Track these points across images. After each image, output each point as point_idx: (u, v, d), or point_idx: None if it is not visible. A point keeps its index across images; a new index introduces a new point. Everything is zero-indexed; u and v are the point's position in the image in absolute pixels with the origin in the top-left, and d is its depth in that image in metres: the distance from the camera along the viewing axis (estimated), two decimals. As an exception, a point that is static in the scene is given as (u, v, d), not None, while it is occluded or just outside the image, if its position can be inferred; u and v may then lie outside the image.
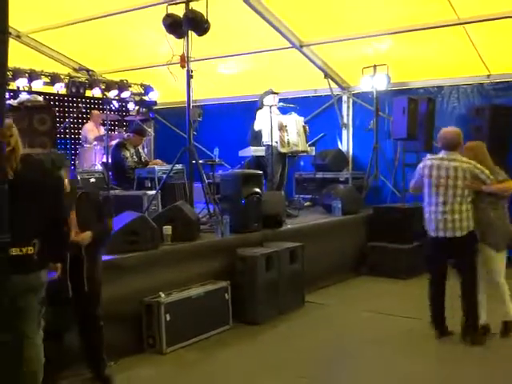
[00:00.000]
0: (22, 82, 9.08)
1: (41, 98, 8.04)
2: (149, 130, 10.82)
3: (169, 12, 6.46)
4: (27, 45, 9.41)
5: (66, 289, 3.86)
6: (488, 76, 8.48)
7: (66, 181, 3.89)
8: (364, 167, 9.69)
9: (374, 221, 8.25)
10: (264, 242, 6.28)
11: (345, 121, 10.02)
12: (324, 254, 7.18)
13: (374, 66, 8.99)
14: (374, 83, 9.12)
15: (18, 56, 8.30)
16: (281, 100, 8.50)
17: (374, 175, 9.33)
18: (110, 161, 7.77)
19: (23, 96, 8.29)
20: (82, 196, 4.09)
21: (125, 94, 10.81)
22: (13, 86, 8.90)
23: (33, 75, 9.23)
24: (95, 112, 10.25)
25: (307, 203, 9.28)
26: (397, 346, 5.03)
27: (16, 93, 8.80)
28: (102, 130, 9.58)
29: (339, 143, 10.11)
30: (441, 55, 8.29)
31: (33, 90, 9.34)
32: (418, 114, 8.41)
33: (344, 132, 10.07)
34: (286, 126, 8.08)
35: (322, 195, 8.76)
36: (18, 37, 8.94)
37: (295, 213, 7.96)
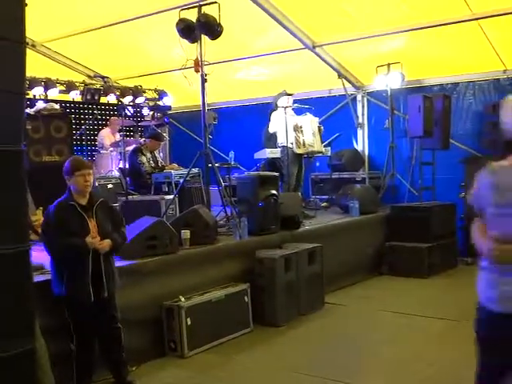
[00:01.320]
0: (38, 91, 9.20)
1: (57, 106, 8.10)
2: (164, 134, 10.87)
3: (181, 17, 6.48)
4: (42, 54, 9.53)
5: (88, 294, 3.90)
6: (504, 71, 8.39)
7: None
8: (380, 166, 9.64)
9: (392, 220, 8.21)
10: (282, 244, 6.27)
11: (360, 120, 9.98)
12: (342, 255, 7.16)
13: (388, 65, 8.94)
14: (388, 82, 9.08)
15: (33, 65, 8.39)
16: (295, 101, 8.49)
17: (390, 174, 9.29)
18: (126, 166, 7.82)
19: (40, 104, 8.37)
20: (101, 203, 4.12)
21: (139, 100, 10.89)
22: (29, 94, 9.01)
23: (48, 83, 9.34)
24: (114, 118, 10.32)
25: (324, 204, 9.25)
26: (417, 347, 4.99)
27: (32, 101, 8.90)
28: (118, 137, 9.65)
29: (355, 143, 10.07)
30: (455, 51, 8.23)
31: (49, 98, 9.43)
32: (433, 111, 8.36)
33: (359, 131, 10.03)
34: (301, 127, 8.07)
35: (338, 195, 8.73)
36: (33, 46, 9.06)
37: (312, 214, 7.95)
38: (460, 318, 5.60)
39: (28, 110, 7.58)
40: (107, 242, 3.98)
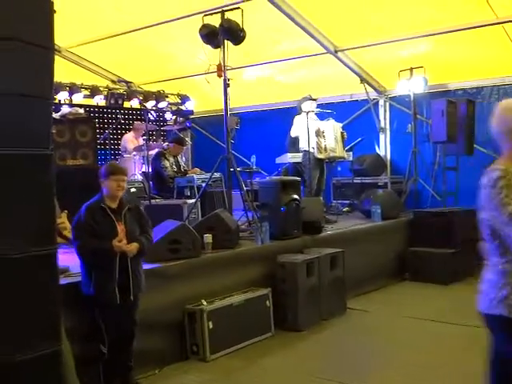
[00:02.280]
0: (63, 96, 9.34)
1: (81, 111, 8.22)
2: (186, 139, 10.94)
3: (205, 22, 6.52)
4: (67, 59, 9.68)
5: (114, 296, 3.96)
6: (530, 75, 8.31)
7: None
8: (403, 171, 9.58)
9: (415, 225, 8.14)
10: (304, 249, 6.26)
11: (382, 125, 9.94)
12: (364, 260, 7.12)
13: (411, 69, 8.90)
14: (410, 86, 9.03)
15: (59, 70, 8.45)
16: (317, 106, 8.48)
17: (413, 179, 9.22)
18: (149, 170, 7.89)
19: (65, 109, 8.49)
20: (130, 208, 4.20)
21: (162, 104, 10.97)
22: (55, 99, 9.14)
23: (73, 88, 9.48)
24: (137, 123, 10.41)
25: (346, 209, 9.22)
26: (440, 354, 4.93)
27: (58, 106, 9.03)
28: (142, 141, 9.74)
29: (377, 148, 10.02)
30: (479, 55, 8.16)
31: (73, 102, 9.56)
32: (457, 116, 8.29)
33: (381, 136, 9.99)
34: (323, 132, 8.06)
35: (360, 200, 8.69)
36: (59, 51, 9.20)
37: (334, 218, 7.92)
38: (483, 325, 5.52)
39: (53, 115, 7.70)
40: (135, 246, 4.05)
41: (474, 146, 8.62)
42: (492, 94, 8.79)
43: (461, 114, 8.38)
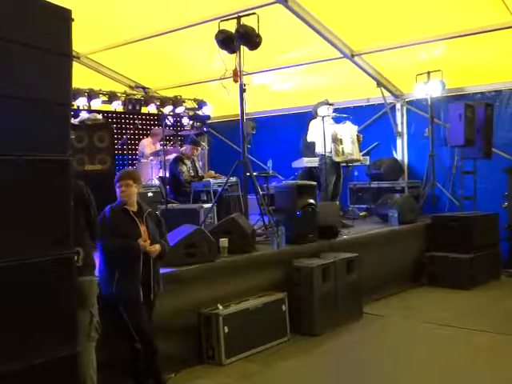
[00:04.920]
0: (81, 101, 9.46)
1: (100, 116, 8.30)
2: (203, 143, 11.00)
3: (221, 28, 6.57)
4: (86, 65, 9.80)
5: (138, 293, 4.05)
6: (548, 78, 8.21)
7: None
8: (420, 176, 9.52)
9: (433, 230, 8.08)
10: (320, 253, 6.25)
11: (399, 129, 9.90)
12: (381, 265, 7.08)
13: (428, 73, 8.85)
14: (428, 90, 8.98)
15: (77, 76, 8.55)
16: (333, 110, 8.48)
17: (430, 183, 9.16)
18: (167, 175, 7.94)
19: (83, 114, 8.58)
20: (149, 213, 4.34)
21: (179, 110, 11.05)
22: (73, 105, 9.26)
23: (92, 94, 9.59)
24: (155, 129, 10.50)
25: (362, 213, 9.18)
26: (458, 360, 4.88)
27: (76, 112, 9.13)
28: (159, 146, 9.81)
29: (394, 152, 9.97)
30: (497, 59, 8.09)
31: (92, 108, 9.68)
32: (475, 120, 8.23)
33: (398, 140, 9.94)
34: (340, 136, 8.03)
35: (377, 205, 8.66)
36: (78, 58, 9.32)
37: (350, 223, 7.90)
38: (503, 331, 5.47)
39: (72, 120, 7.80)
40: (158, 247, 4.19)
41: (492, 149, 8.54)
42: (511, 98, 8.70)
43: (479, 117, 8.31)
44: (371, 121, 10.05)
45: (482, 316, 6.08)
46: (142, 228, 4.17)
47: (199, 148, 8.67)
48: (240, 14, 6.51)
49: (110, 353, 4.09)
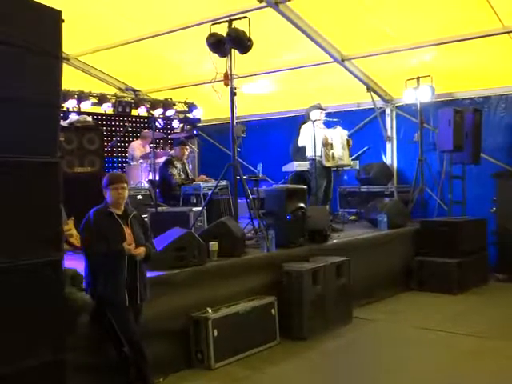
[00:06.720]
0: (71, 103, 9.42)
1: (89, 119, 8.24)
2: (193, 146, 10.98)
3: (212, 31, 6.56)
4: (76, 67, 9.76)
5: (123, 297, 4.02)
6: (537, 84, 8.29)
7: None
8: (409, 180, 9.56)
9: (421, 235, 8.12)
10: (310, 257, 6.25)
11: (389, 134, 9.94)
12: (371, 269, 7.10)
13: (418, 78, 8.90)
14: (417, 95, 9.03)
15: (67, 78, 8.52)
16: (324, 114, 8.48)
17: (419, 188, 9.19)
18: (156, 178, 7.91)
19: (73, 117, 8.52)
20: (135, 215, 4.31)
21: (169, 112, 11.03)
22: (63, 107, 9.20)
23: (81, 96, 9.55)
24: (145, 131, 10.47)
25: (352, 217, 9.21)
26: (446, 364, 4.90)
27: (66, 114, 9.08)
28: (148, 149, 9.77)
29: (383, 156, 10.02)
30: (486, 64, 8.15)
31: (81, 110, 9.64)
32: (464, 125, 8.29)
33: (388, 145, 9.98)
34: (330, 141, 8.05)
35: (367, 209, 8.68)
36: (67, 60, 9.28)
37: (340, 227, 7.91)
38: (491, 336, 5.50)
39: (62, 122, 7.74)
40: (143, 249, 4.14)
41: (481, 154, 8.60)
42: (499, 104, 8.77)
43: (468, 123, 8.37)
44: (361, 125, 10.09)
45: (470, 320, 6.11)
46: (127, 231, 4.15)
47: (188, 148, 8.64)
48: (231, 18, 6.50)
49: (99, 357, 4.06)
